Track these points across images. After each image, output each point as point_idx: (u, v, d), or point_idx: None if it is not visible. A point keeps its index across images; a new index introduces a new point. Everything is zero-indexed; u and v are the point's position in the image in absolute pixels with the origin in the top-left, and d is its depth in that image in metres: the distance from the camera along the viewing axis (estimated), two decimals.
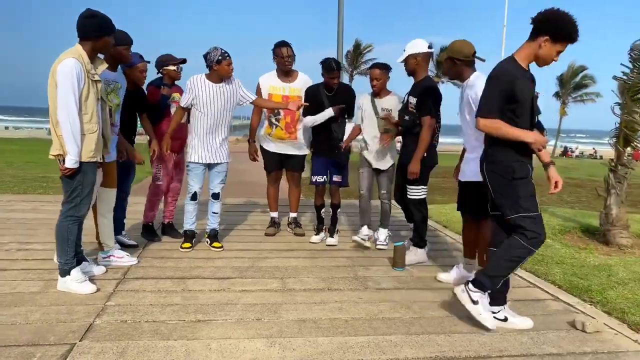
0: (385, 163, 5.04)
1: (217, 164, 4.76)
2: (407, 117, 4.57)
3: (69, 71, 3.36)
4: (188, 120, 4.84)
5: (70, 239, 3.60)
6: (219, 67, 4.54)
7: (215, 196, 4.86)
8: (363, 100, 5.07)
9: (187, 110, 4.72)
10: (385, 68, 4.89)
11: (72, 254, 3.64)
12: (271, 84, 5.23)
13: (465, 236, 4.20)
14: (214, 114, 4.63)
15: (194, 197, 4.79)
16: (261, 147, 5.48)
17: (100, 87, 3.64)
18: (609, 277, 4.44)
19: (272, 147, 5.38)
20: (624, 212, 5.70)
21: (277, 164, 5.46)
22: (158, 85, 4.91)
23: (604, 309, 3.75)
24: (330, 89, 5.03)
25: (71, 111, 3.38)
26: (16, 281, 3.81)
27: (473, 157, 3.82)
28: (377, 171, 5.09)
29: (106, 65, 3.75)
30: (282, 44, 5.13)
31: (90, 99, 3.50)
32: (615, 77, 5.74)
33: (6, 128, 66.05)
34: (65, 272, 3.62)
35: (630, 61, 5.58)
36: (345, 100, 5.00)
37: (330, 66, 4.93)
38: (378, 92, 4.95)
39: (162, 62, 4.91)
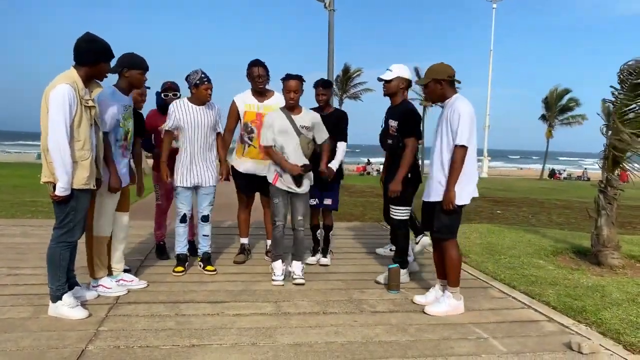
0: (307, 186, 4.62)
1: (203, 186, 4.75)
2: (390, 141, 4.61)
3: (61, 98, 3.30)
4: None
5: (62, 264, 3.55)
6: (196, 91, 4.56)
7: (205, 218, 4.83)
8: (275, 118, 4.53)
9: (173, 133, 4.68)
10: (300, 80, 4.50)
11: (64, 280, 3.58)
12: (245, 102, 5.11)
13: (435, 257, 4.21)
14: (197, 136, 4.62)
15: (183, 219, 4.77)
16: (232, 168, 5.22)
17: (94, 112, 3.59)
18: (602, 298, 4.46)
19: (244, 167, 5.17)
20: (614, 233, 5.74)
21: (249, 186, 5.24)
22: (159, 108, 4.97)
23: (598, 330, 3.75)
24: (321, 108, 5.07)
25: (61, 140, 3.31)
26: (6, 307, 3.74)
27: (440, 177, 3.90)
28: (292, 195, 4.62)
29: (101, 88, 3.71)
30: (254, 64, 5.02)
31: (82, 126, 3.45)
32: (605, 100, 5.84)
33: None
34: (56, 298, 3.56)
35: (618, 82, 5.67)
36: (334, 120, 5.02)
37: (315, 83, 5.07)
38: (293, 106, 4.53)
39: (162, 89, 5.03)
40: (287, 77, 4.49)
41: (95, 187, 3.68)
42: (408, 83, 4.63)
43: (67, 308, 3.54)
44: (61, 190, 3.37)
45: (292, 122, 4.52)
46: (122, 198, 4.18)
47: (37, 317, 3.56)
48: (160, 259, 5.22)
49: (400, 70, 4.55)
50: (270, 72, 5.10)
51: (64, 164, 3.34)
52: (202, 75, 4.54)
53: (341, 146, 5.14)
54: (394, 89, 4.58)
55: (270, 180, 4.64)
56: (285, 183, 4.56)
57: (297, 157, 4.52)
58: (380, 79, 4.62)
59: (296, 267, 4.66)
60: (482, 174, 41.65)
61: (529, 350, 3.30)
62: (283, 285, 4.54)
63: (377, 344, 3.34)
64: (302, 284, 4.54)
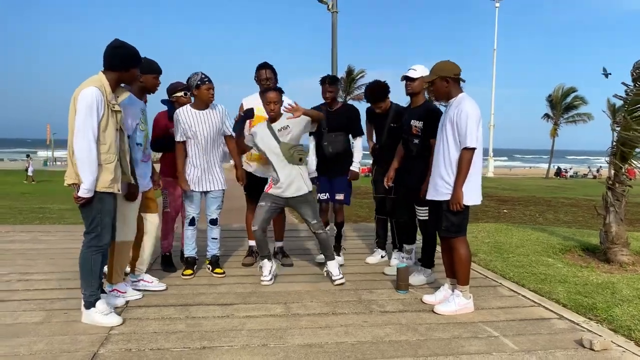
0: (300, 189, 4.59)
1: (212, 190, 4.76)
2: (416, 141, 4.55)
3: (90, 100, 3.33)
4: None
5: (94, 269, 3.53)
6: (198, 92, 4.57)
7: (213, 222, 4.85)
8: (260, 133, 4.60)
9: (184, 142, 4.67)
10: (280, 91, 4.55)
11: (97, 285, 3.58)
12: (255, 105, 5.10)
13: (444, 256, 4.20)
14: (202, 140, 4.63)
15: (192, 222, 4.79)
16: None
17: (120, 117, 3.61)
18: (613, 295, 4.44)
19: (251, 169, 5.20)
20: (623, 229, 5.71)
21: (257, 189, 5.17)
22: (169, 112, 4.93)
23: (610, 327, 3.74)
24: (328, 104, 5.10)
25: (88, 140, 3.33)
26: (17, 312, 3.77)
27: (445, 176, 3.88)
28: (292, 201, 4.63)
29: (128, 93, 3.76)
30: (262, 66, 5.05)
31: (109, 130, 3.47)
32: (616, 96, 5.81)
33: (1, 160, 65.95)
34: (90, 304, 3.54)
35: (632, 80, 5.60)
36: (343, 116, 5.04)
37: (322, 79, 5.08)
38: (274, 117, 4.55)
39: (170, 90, 4.98)
40: (265, 90, 4.57)
41: (119, 192, 3.65)
42: (429, 84, 4.61)
43: (100, 315, 3.53)
44: (84, 192, 3.37)
45: (272, 130, 4.56)
46: (150, 200, 4.24)
47: (49, 322, 3.58)
48: (166, 271, 4.97)
49: (424, 71, 4.50)
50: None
51: (89, 165, 3.35)
52: (202, 76, 4.55)
53: (358, 143, 5.19)
54: (418, 88, 4.56)
55: (265, 189, 4.71)
56: (277, 191, 4.60)
57: (281, 164, 4.56)
58: (405, 77, 4.58)
59: (332, 267, 4.69)
60: (488, 174, 41.57)
61: (540, 348, 3.29)
62: (271, 284, 4.59)
63: (388, 343, 3.33)
64: (342, 284, 4.60)
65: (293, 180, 4.56)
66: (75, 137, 3.34)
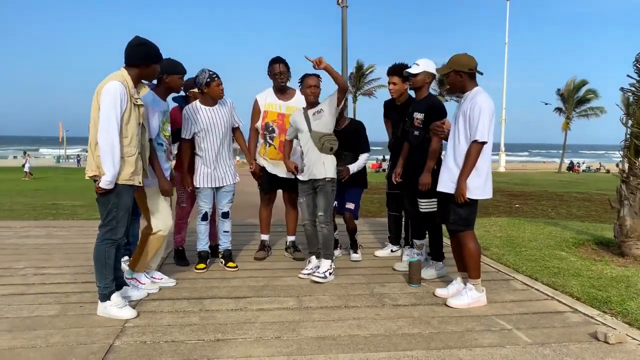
0: (318, 174, 4.56)
1: (224, 185, 4.80)
2: (416, 133, 4.63)
3: (113, 94, 3.39)
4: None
5: (108, 262, 3.57)
6: (208, 90, 4.59)
7: (225, 215, 4.89)
8: (296, 117, 4.71)
9: (191, 141, 4.71)
10: (318, 77, 4.61)
11: (111, 278, 3.61)
12: (268, 101, 5.14)
13: (454, 250, 4.19)
14: (215, 137, 4.67)
15: (204, 217, 4.82)
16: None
17: (142, 111, 3.67)
18: (627, 288, 4.40)
19: (267, 167, 5.21)
20: (638, 223, 5.65)
21: (271, 184, 5.28)
22: (181, 106, 4.91)
23: (624, 320, 3.71)
24: (336, 124, 5.07)
25: (112, 133, 3.38)
26: (34, 305, 3.82)
27: (455, 169, 3.87)
28: (315, 184, 4.62)
29: (148, 88, 3.81)
30: (275, 61, 5.06)
31: (131, 123, 3.53)
32: (622, 89, 5.76)
33: (15, 157, 66.73)
34: (105, 297, 3.59)
35: (635, 72, 5.59)
36: (351, 135, 5.06)
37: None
38: (312, 102, 4.63)
39: (187, 85, 4.96)
40: (306, 75, 4.59)
41: (141, 184, 3.70)
42: (433, 78, 4.69)
43: (115, 308, 3.57)
44: (106, 183, 3.42)
45: (307, 118, 4.60)
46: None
47: (65, 315, 3.63)
48: (179, 265, 5.02)
49: (427, 65, 4.58)
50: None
51: (112, 157, 3.40)
52: (211, 73, 4.57)
53: (363, 157, 5.16)
54: (420, 82, 4.63)
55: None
56: (302, 178, 4.67)
57: (312, 153, 4.58)
58: (407, 73, 4.66)
59: (322, 264, 4.61)
60: (499, 169, 41.38)
61: (554, 341, 3.28)
62: (307, 277, 4.60)
63: (400, 336, 3.34)
64: (320, 283, 4.49)
65: (314, 164, 4.57)
66: (100, 130, 3.39)
